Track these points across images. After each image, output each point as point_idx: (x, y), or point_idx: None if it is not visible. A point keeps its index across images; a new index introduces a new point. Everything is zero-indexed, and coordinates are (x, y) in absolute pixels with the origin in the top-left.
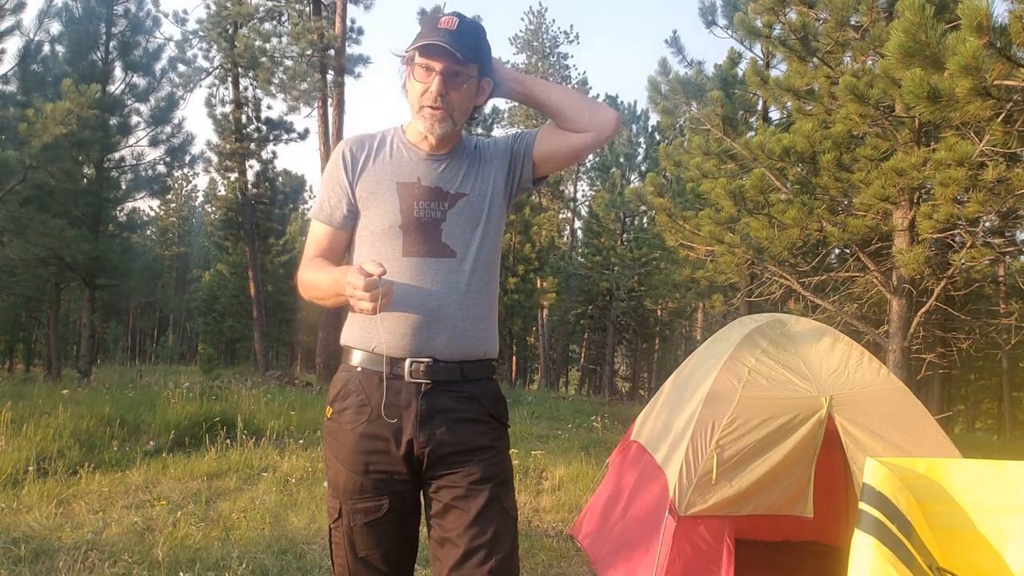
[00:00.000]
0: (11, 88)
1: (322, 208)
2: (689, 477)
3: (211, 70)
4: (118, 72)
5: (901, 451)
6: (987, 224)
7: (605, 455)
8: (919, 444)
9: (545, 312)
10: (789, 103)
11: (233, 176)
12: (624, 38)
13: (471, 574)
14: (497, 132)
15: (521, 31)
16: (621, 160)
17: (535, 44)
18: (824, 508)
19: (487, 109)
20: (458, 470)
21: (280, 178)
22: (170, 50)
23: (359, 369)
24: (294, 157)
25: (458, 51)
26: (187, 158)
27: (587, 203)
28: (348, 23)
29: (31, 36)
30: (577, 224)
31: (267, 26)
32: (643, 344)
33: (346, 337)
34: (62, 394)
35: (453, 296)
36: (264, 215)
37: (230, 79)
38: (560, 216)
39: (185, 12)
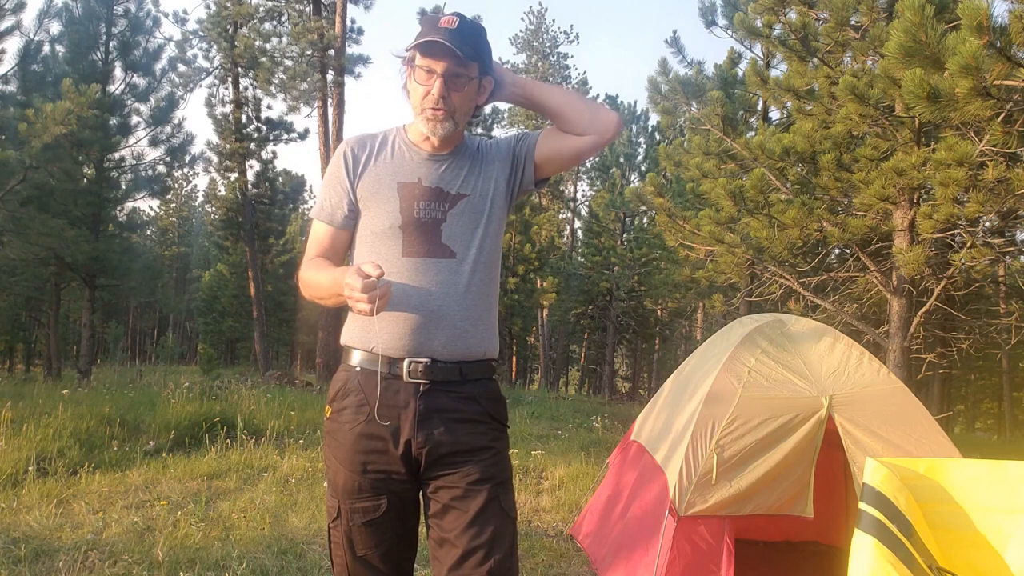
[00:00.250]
0: (11, 88)
1: (323, 208)
2: (689, 477)
3: (211, 70)
4: (118, 72)
5: (901, 451)
6: (987, 224)
7: (605, 455)
8: (919, 444)
9: (545, 312)
10: (789, 103)
11: (233, 176)
12: (624, 38)
13: (470, 574)
14: (497, 132)
15: (521, 31)
16: (621, 160)
17: (535, 44)
18: (824, 508)
19: (487, 109)
20: (457, 470)
21: (280, 178)
22: (170, 50)
23: (358, 369)
24: (294, 157)
25: (459, 49)
26: (187, 158)
27: (587, 203)
28: (348, 23)
29: (31, 36)
30: (577, 224)
31: (267, 26)
32: (643, 344)
33: (346, 337)
34: (62, 394)
35: (452, 297)
36: (264, 215)
37: (230, 79)
38: (560, 216)
39: (185, 12)
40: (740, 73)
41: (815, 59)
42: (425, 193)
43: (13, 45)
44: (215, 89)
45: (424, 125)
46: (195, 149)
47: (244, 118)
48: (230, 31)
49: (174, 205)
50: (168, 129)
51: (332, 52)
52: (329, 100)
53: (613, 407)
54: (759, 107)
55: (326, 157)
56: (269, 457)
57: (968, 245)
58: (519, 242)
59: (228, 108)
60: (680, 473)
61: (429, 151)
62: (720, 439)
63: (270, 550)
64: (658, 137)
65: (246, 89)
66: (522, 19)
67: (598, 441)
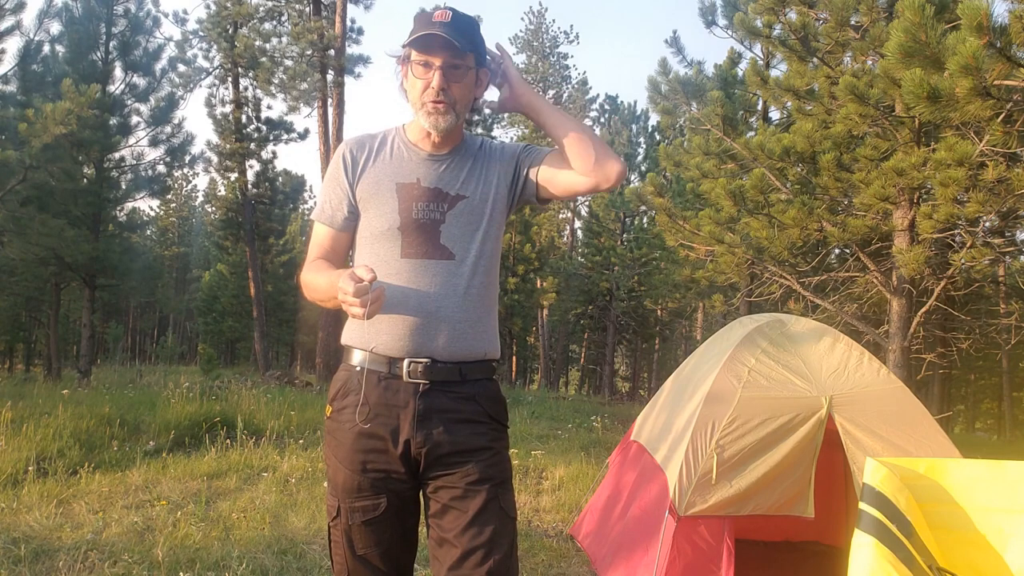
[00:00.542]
0: (11, 88)
1: (323, 210)
2: (689, 477)
3: (211, 70)
4: (118, 72)
5: (901, 451)
6: (987, 224)
7: (605, 455)
8: (919, 444)
9: (545, 312)
10: (789, 103)
11: (233, 176)
12: (624, 38)
13: (470, 574)
14: (497, 132)
15: (521, 31)
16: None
17: (535, 44)
18: (824, 508)
19: (487, 110)
20: (456, 470)
21: (280, 178)
22: (170, 50)
23: (358, 368)
24: (294, 157)
25: (455, 40)
26: (187, 158)
27: (587, 203)
28: (348, 23)
29: (31, 36)
30: (577, 224)
31: (267, 26)
32: (643, 344)
33: (347, 337)
34: (62, 394)
35: (452, 298)
36: (264, 215)
37: (230, 79)
38: (560, 216)
39: (185, 12)
40: (740, 73)
41: (815, 59)
42: (424, 194)
43: (13, 45)
44: (215, 89)
45: (425, 120)
46: (195, 149)
47: (244, 118)
48: (230, 31)
49: (174, 205)
50: (168, 129)
51: (332, 52)
52: (329, 100)
53: (613, 407)
54: (759, 107)
55: (326, 157)
56: (269, 457)
57: (968, 245)
58: (519, 242)
59: (228, 108)
60: (680, 473)
61: (429, 151)
62: (720, 439)
63: (270, 550)
64: (658, 137)
65: (246, 89)
66: (522, 19)
67: (598, 441)
